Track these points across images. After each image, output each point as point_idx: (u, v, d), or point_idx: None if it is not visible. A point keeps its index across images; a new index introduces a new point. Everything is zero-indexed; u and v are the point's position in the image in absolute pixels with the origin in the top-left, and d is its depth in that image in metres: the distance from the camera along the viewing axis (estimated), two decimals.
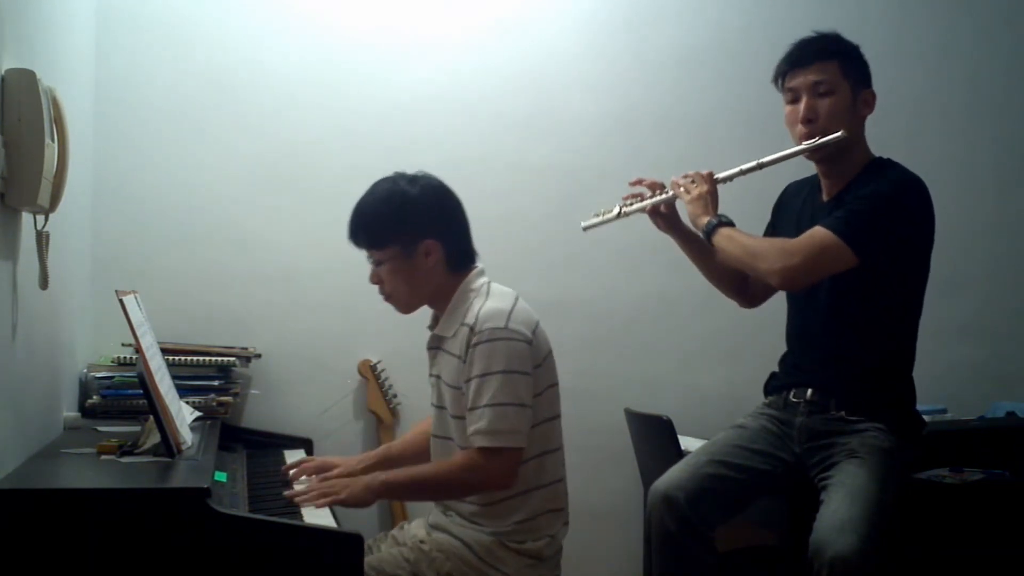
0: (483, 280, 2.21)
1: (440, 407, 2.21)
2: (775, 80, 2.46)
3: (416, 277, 2.18)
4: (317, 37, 3.21)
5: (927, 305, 2.43)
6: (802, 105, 2.37)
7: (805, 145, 2.37)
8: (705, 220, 2.41)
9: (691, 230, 2.58)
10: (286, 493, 2.14)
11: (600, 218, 2.59)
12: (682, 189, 2.49)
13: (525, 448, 2.07)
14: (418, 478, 2.17)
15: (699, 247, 2.58)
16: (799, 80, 2.39)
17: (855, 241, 2.24)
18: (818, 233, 2.27)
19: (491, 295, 2.16)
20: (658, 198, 2.54)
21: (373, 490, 2.09)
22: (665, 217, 2.57)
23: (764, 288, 2.60)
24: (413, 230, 2.16)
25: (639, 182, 2.58)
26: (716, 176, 2.47)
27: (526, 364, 2.09)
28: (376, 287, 2.24)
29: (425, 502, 2.89)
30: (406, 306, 2.25)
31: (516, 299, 2.17)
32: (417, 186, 2.19)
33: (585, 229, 2.63)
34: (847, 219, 2.26)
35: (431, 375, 2.25)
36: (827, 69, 2.37)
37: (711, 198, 2.44)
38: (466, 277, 2.20)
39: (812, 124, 2.36)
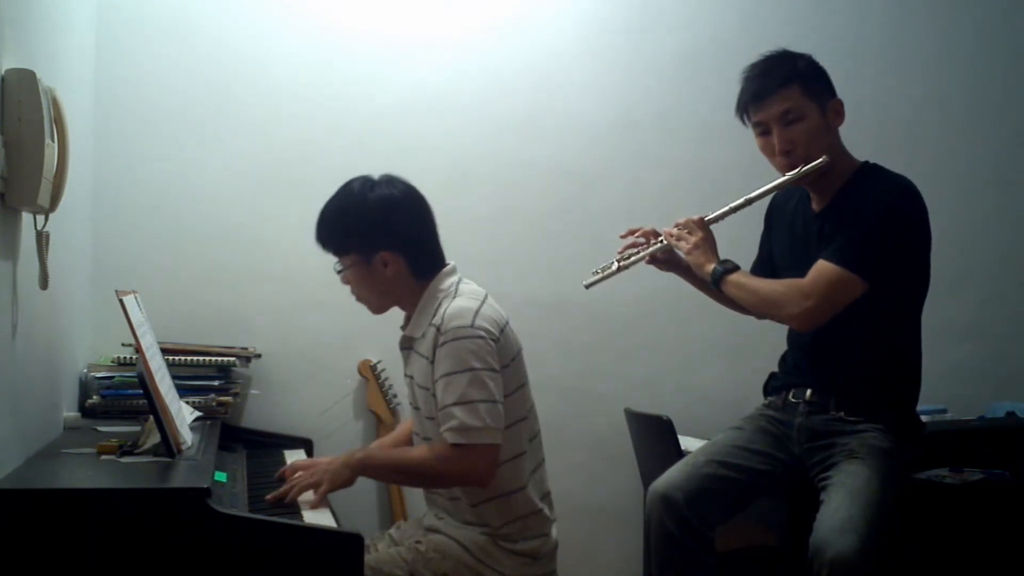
0: (452, 280, 2.20)
1: (415, 407, 2.22)
2: (739, 115, 2.43)
3: (378, 285, 2.20)
4: (317, 37, 3.21)
5: (927, 305, 2.43)
6: (775, 138, 2.35)
7: (790, 176, 2.35)
8: (709, 268, 2.39)
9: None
10: (268, 497, 2.12)
11: (600, 275, 2.57)
12: (674, 239, 2.47)
13: (500, 443, 2.05)
14: (398, 461, 2.17)
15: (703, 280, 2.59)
16: (765, 113, 2.36)
17: (862, 269, 2.24)
18: (825, 269, 2.26)
19: (459, 295, 2.15)
20: (654, 247, 2.53)
21: (351, 466, 2.10)
22: (665, 261, 2.58)
23: None
24: (369, 241, 2.16)
25: (631, 233, 2.57)
26: (707, 218, 2.45)
27: (494, 362, 2.08)
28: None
29: (421, 497, 2.91)
30: (375, 309, 2.28)
31: (485, 298, 2.16)
32: (375, 195, 2.18)
33: (587, 287, 2.60)
34: (848, 248, 2.26)
35: (406, 375, 2.25)
36: (790, 95, 2.33)
37: (708, 244, 2.42)
38: (435, 277, 2.20)
39: (791, 154, 2.34)
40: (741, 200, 2.43)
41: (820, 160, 2.32)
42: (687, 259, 2.47)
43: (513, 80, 3.31)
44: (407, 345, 2.22)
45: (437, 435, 2.11)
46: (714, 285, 2.41)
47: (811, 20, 3.35)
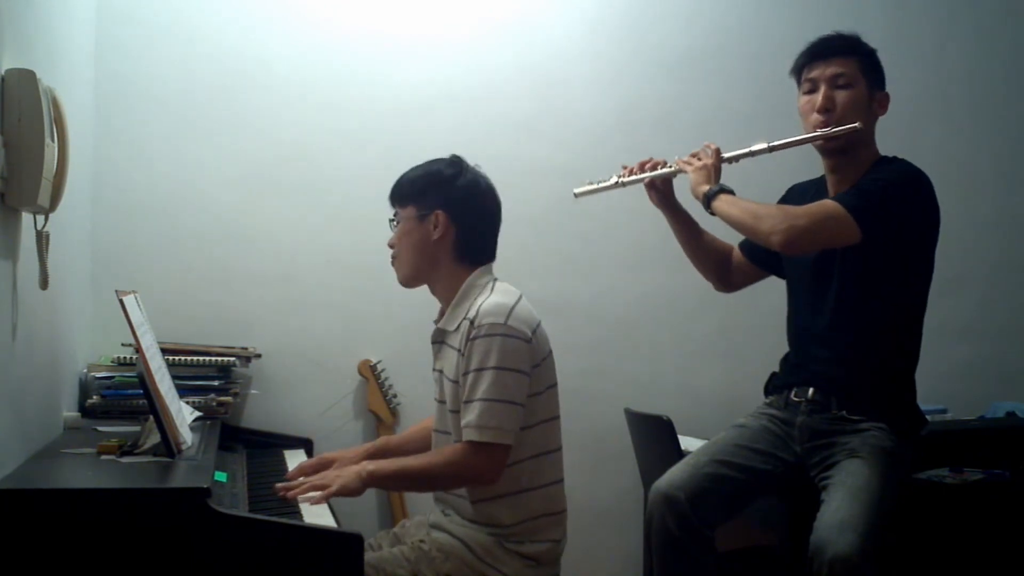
0: (489, 277, 2.23)
1: (441, 401, 2.22)
2: (794, 71, 2.47)
3: (419, 246, 2.22)
4: (317, 37, 3.21)
5: (927, 305, 2.44)
6: (820, 94, 2.39)
7: (821, 132, 2.38)
8: (706, 187, 2.41)
9: (683, 208, 2.59)
10: (277, 485, 2.13)
11: (595, 186, 2.58)
12: (684, 161, 2.50)
13: (512, 445, 2.07)
14: (405, 468, 2.16)
15: (688, 226, 2.61)
16: (819, 71, 2.40)
17: (861, 216, 2.25)
18: (826, 203, 2.30)
19: (495, 291, 2.18)
20: (659, 172, 2.54)
21: (362, 478, 2.08)
22: (660, 191, 2.58)
23: (744, 277, 2.65)
24: (431, 198, 2.20)
25: (645, 162, 2.58)
26: (724, 155, 2.48)
27: (522, 362, 2.09)
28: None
29: (418, 494, 2.90)
30: (405, 274, 2.27)
31: (519, 298, 2.18)
32: (457, 168, 2.25)
33: (577, 196, 2.61)
34: (855, 194, 2.29)
35: (434, 369, 2.26)
36: (847, 63, 2.39)
37: (715, 170, 2.45)
38: (473, 272, 2.22)
39: (829, 113, 2.38)
40: (763, 145, 2.45)
41: (854, 124, 2.34)
42: (690, 177, 2.46)
43: (513, 80, 3.31)
44: (439, 339, 2.24)
45: (459, 430, 2.12)
46: (707, 203, 2.40)
47: (811, 20, 3.34)
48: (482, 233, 2.25)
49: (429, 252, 2.21)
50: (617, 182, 2.56)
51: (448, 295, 2.22)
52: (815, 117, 2.39)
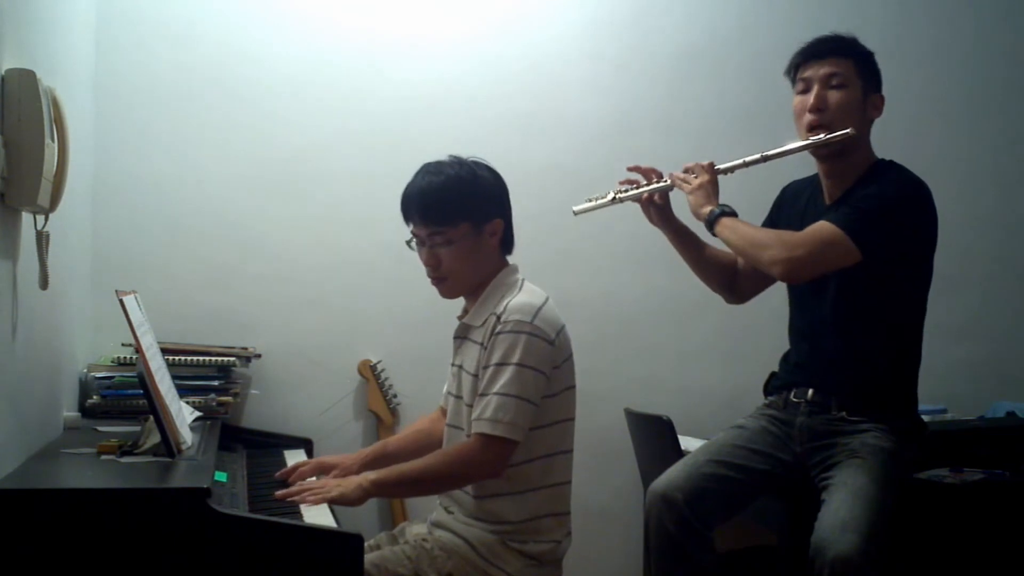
0: (518, 276, 2.25)
1: (457, 396, 2.22)
2: (788, 71, 2.46)
3: (479, 256, 2.20)
4: (317, 37, 3.21)
5: (927, 303, 2.43)
6: (813, 94, 2.37)
7: (812, 140, 2.36)
8: (707, 210, 2.39)
9: (683, 224, 2.57)
10: (277, 494, 2.12)
11: (592, 203, 2.56)
12: (680, 179, 2.47)
13: (520, 442, 2.07)
14: (407, 473, 2.14)
15: (690, 242, 2.58)
16: (813, 71, 2.39)
17: (859, 238, 2.23)
18: (824, 227, 2.27)
19: (523, 291, 2.19)
20: (655, 186, 2.52)
21: (364, 489, 2.07)
22: (658, 208, 2.55)
23: (752, 286, 2.61)
24: (486, 208, 2.20)
25: (636, 169, 2.56)
26: (718, 167, 2.46)
27: (543, 362, 2.10)
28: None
29: (422, 497, 2.90)
30: (461, 288, 2.24)
31: (546, 299, 2.19)
32: (483, 168, 2.23)
33: (576, 213, 2.58)
34: (853, 215, 2.26)
35: (453, 364, 2.26)
36: (842, 64, 2.37)
37: (712, 188, 2.43)
38: (502, 269, 2.23)
39: (821, 113, 2.36)
40: (757, 156, 2.43)
41: (846, 131, 2.32)
42: (688, 199, 2.44)
43: (513, 80, 3.31)
44: (462, 334, 2.24)
45: (471, 424, 2.12)
46: (708, 227, 2.40)
47: (811, 20, 3.33)
48: (511, 219, 2.28)
49: (486, 259, 2.22)
50: (614, 198, 2.53)
51: (479, 292, 2.22)
52: (807, 117, 2.38)
